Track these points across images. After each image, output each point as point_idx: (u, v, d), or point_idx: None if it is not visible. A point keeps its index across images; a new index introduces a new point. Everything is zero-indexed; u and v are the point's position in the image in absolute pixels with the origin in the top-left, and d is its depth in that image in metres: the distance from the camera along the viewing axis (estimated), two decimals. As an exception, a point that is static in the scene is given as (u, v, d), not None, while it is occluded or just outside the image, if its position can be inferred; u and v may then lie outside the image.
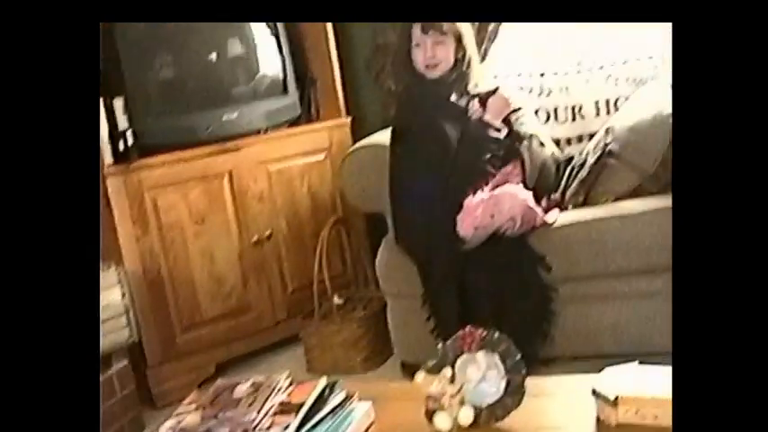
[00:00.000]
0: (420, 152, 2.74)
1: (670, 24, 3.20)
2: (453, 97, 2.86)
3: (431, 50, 2.82)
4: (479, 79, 2.97)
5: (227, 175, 3.26)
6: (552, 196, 2.83)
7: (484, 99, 2.86)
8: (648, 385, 1.66)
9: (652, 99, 2.89)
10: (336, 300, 3.23)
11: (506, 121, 2.85)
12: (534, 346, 2.58)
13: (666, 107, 2.71)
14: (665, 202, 2.59)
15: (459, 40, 2.85)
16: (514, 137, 2.84)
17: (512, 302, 2.57)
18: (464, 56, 2.88)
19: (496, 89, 2.89)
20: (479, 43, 3.27)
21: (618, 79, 3.21)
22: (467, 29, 2.90)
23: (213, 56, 3.34)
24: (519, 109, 2.90)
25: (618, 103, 3.17)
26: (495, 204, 2.57)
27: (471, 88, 2.92)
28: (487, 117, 2.80)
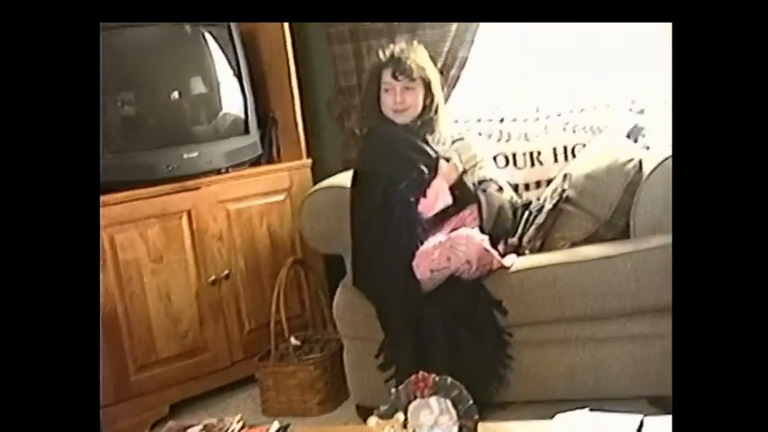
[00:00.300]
0: (381, 195, 2.75)
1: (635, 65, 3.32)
2: (418, 143, 2.88)
3: (400, 95, 2.85)
4: (444, 127, 3.01)
5: (185, 214, 3.23)
6: (509, 241, 2.84)
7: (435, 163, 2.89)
8: (599, 432, 1.66)
9: (608, 147, 2.93)
10: (293, 341, 3.20)
11: (456, 185, 2.89)
12: (489, 391, 2.58)
13: (622, 156, 2.75)
14: (620, 248, 2.61)
15: (427, 86, 2.90)
16: (467, 189, 2.89)
17: (467, 346, 2.57)
18: (432, 102, 2.92)
19: (449, 159, 2.93)
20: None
21: (576, 127, 3.25)
22: (435, 76, 2.94)
23: (175, 94, 3.33)
24: (465, 172, 2.94)
25: (575, 151, 3.21)
26: (451, 247, 2.58)
27: (434, 138, 2.95)
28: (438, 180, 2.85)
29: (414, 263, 2.62)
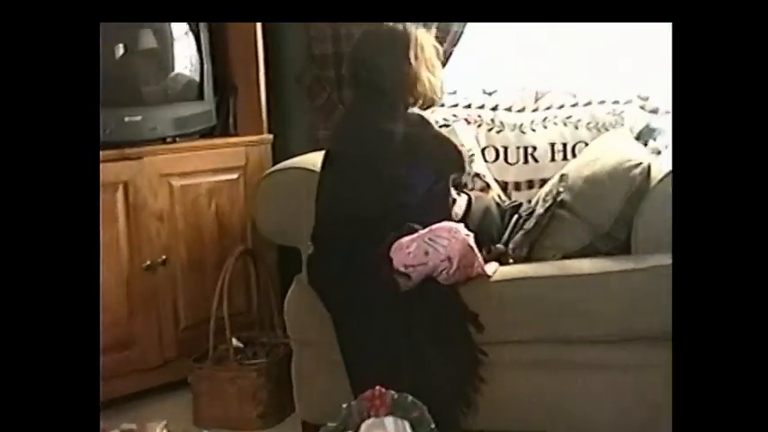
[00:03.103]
0: (360, 185, 2.71)
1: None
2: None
3: None
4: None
5: (122, 186, 3.20)
6: (493, 247, 2.82)
7: None
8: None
9: (614, 148, 2.91)
10: (235, 342, 3.19)
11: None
12: (455, 415, 2.55)
13: (628, 159, 2.73)
14: (618, 265, 2.59)
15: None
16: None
17: (435, 362, 2.53)
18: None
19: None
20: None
21: (579, 122, 3.25)
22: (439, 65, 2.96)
23: (120, 47, 3.29)
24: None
25: (576, 149, 3.21)
26: (430, 240, 2.54)
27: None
28: None
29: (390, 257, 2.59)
